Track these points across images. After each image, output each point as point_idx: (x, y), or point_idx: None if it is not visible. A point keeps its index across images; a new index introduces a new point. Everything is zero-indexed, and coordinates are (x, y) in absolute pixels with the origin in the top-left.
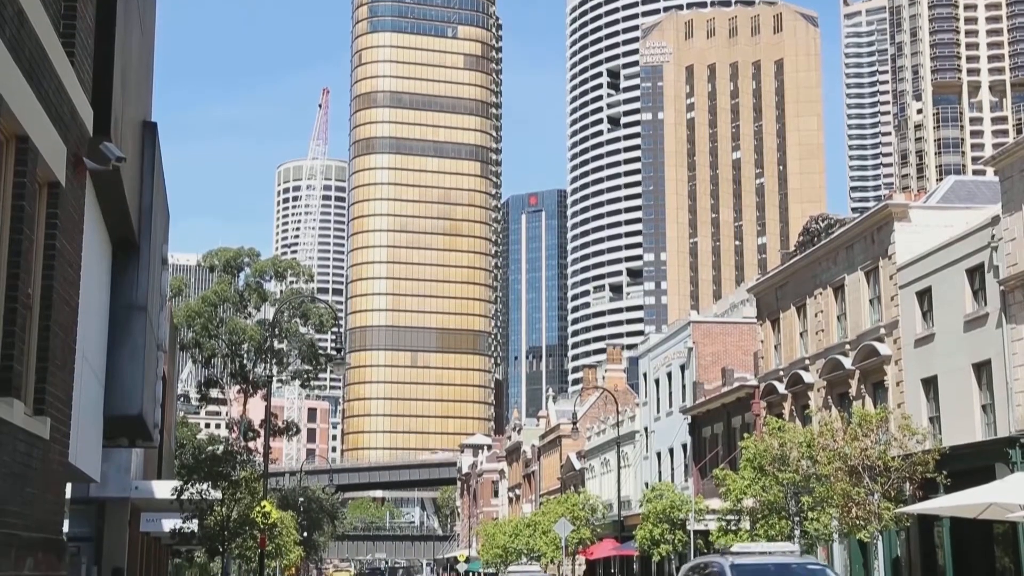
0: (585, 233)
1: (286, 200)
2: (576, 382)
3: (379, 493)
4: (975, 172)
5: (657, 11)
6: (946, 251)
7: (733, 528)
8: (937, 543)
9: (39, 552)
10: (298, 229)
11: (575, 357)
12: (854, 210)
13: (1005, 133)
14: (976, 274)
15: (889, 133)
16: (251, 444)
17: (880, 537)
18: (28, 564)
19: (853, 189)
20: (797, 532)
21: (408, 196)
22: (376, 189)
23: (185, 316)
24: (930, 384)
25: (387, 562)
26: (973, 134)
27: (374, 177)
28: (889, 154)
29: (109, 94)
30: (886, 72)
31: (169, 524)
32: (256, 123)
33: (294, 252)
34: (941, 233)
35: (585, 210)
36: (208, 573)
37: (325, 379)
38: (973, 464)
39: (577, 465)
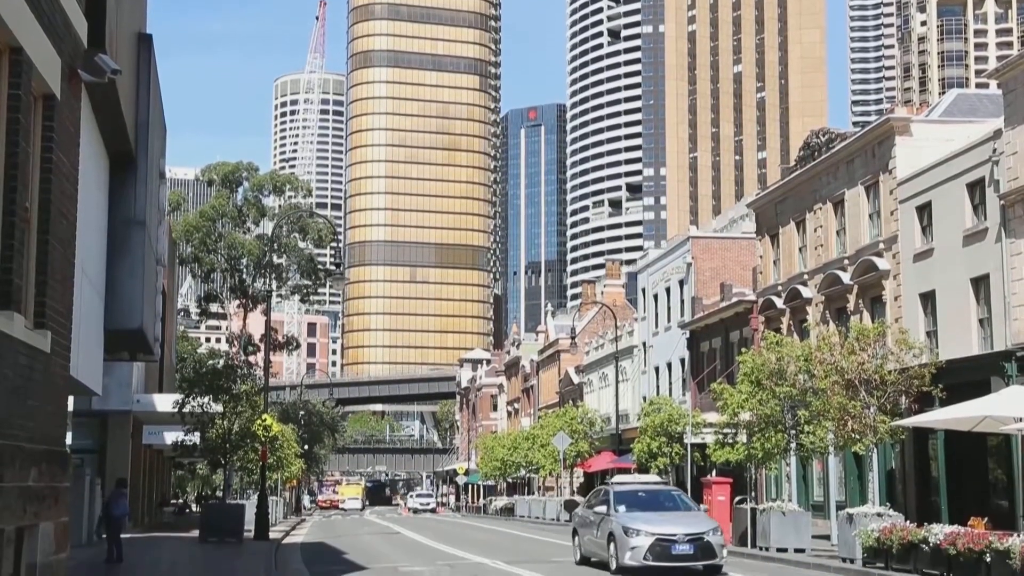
0: (584, 148)
1: (284, 114)
2: (575, 297)
3: (379, 407)
4: (978, 85)
5: None
6: (947, 165)
7: (730, 441)
8: (931, 455)
9: (43, 463)
10: (296, 143)
11: (574, 272)
12: (855, 124)
13: (1009, 45)
14: (976, 188)
15: (892, 46)
16: (251, 358)
17: (875, 450)
18: (32, 475)
19: (855, 103)
20: (793, 445)
21: (406, 110)
22: (374, 103)
23: (184, 230)
24: (928, 299)
25: (387, 474)
26: (977, 47)
27: (372, 91)
28: (892, 67)
29: (103, 5)
30: None
31: (171, 437)
32: (253, 35)
33: (292, 166)
34: (942, 147)
35: (584, 124)
36: (210, 485)
37: (324, 294)
38: (969, 378)
39: (575, 379)
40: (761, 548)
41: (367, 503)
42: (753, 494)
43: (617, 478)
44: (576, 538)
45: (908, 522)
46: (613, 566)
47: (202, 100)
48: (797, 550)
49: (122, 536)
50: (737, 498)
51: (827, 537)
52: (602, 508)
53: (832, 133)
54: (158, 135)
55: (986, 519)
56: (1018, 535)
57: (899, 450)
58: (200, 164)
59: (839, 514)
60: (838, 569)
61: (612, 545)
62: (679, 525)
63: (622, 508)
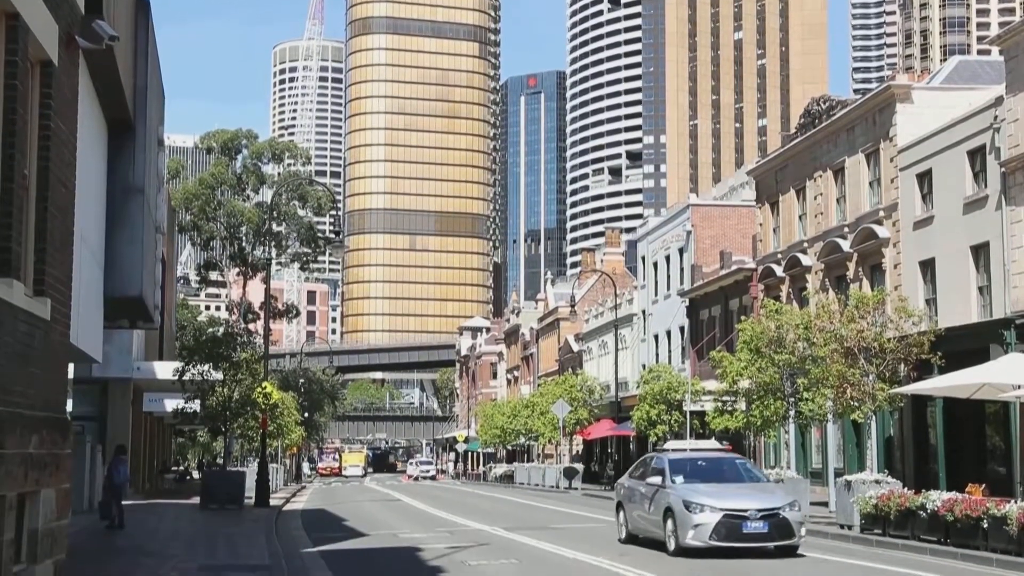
0: (584, 115)
1: (283, 81)
2: (575, 265)
3: (379, 375)
4: (980, 52)
5: None
6: (948, 133)
7: (729, 409)
8: (930, 423)
9: (44, 430)
10: (295, 111)
11: (574, 240)
12: (856, 91)
13: (1012, 12)
14: (977, 156)
15: (893, 12)
16: (251, 326)
17: (874, 417)
18: (33, 442)
19: (856, 70)
20: (792, 413)
21: (406, 77)
22: (373, 70)
23: (183, 198)
24: (928, 266)
25: (387, 442)
26: (979, 12)
27: (371, 58)
28: (893, 34)
29: None
30: None
31: (171, 404)
32: (251, 1)
33: (291, 134)
34: (943, 114)
35: (584, 92)
36: (211, 452)
37: (324, 262)
38: (968, 345)
39: (575, 347)
40: None
41: (369, 470)
42: (752, 462)
43: (670, 444)
44: (621, 513)
45: (906, 489)
46: (671, 546)
47: (200, 67)
48: None
49: (124, 503)
50: None
51: (825, 504)
52: (655, 479)
53: (833, 100)
54: (156, 102)
55: (984, 486)
56: (1015, 501)
57: (897, 417)
58: (199, 131)
59: (837, 481)
60: (836, 536)
61: (670, 522)
62: (750, 499)
63: (679, 479)
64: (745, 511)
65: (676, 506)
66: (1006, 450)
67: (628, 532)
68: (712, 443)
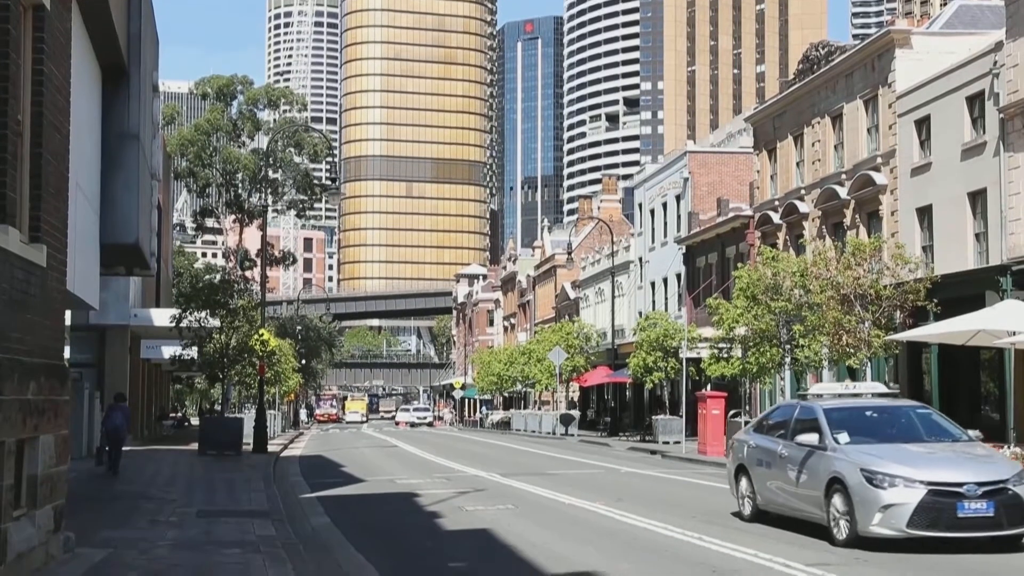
0: (582, 62)
1: (277, 26)
2: (571, 212)
3: (375, 322)
4: None
5: None
6: (947, 78)
7: (725, 356)
8: (925, 369)
9: (42, 377)
10: (290, 57)
11: (571, 187)
12: (855, 37)
13: None
14: (976, 102)
15: None
16: (248, 273)
17: (869, 364)
18: (31, 388)
19: (855, 15)
20: (788, 359)
21: (402, 23)
22: (369, 15)
23: (178, 145)
24: (925, 213)
25: (384, 389)
26: None
27: (367, 2)
28: None
29: None
30: None
31: (169, 351)
32: None
33: (287, 80)
34: (943, 60)
35: (582, 38)
36: (209, 399)
37: (320, 209)
38: (964, 292)
39: (572, 295)
40: None
41: (368, 418)
42: (748, 408)
43: (816, 388)
44: (743, 481)
45: None
46: (842, 534)
47: (194, 13)
48: None
49: (122, 449)
50: (731, 412)
51: None
52: (807, 437)
53: (832, 46)
54: (150, 47)
55: (978, 432)
56: (1008, 447)
57: (893, 364)
58: (193, 78)
59: None
60: None
61: (837, 499)
62: (960, 467)
63: (844, 437)
64: (959, 485)
65: (850, 477)
66: (1000, 396)
67: (755, 507)
68: (874, 384)
